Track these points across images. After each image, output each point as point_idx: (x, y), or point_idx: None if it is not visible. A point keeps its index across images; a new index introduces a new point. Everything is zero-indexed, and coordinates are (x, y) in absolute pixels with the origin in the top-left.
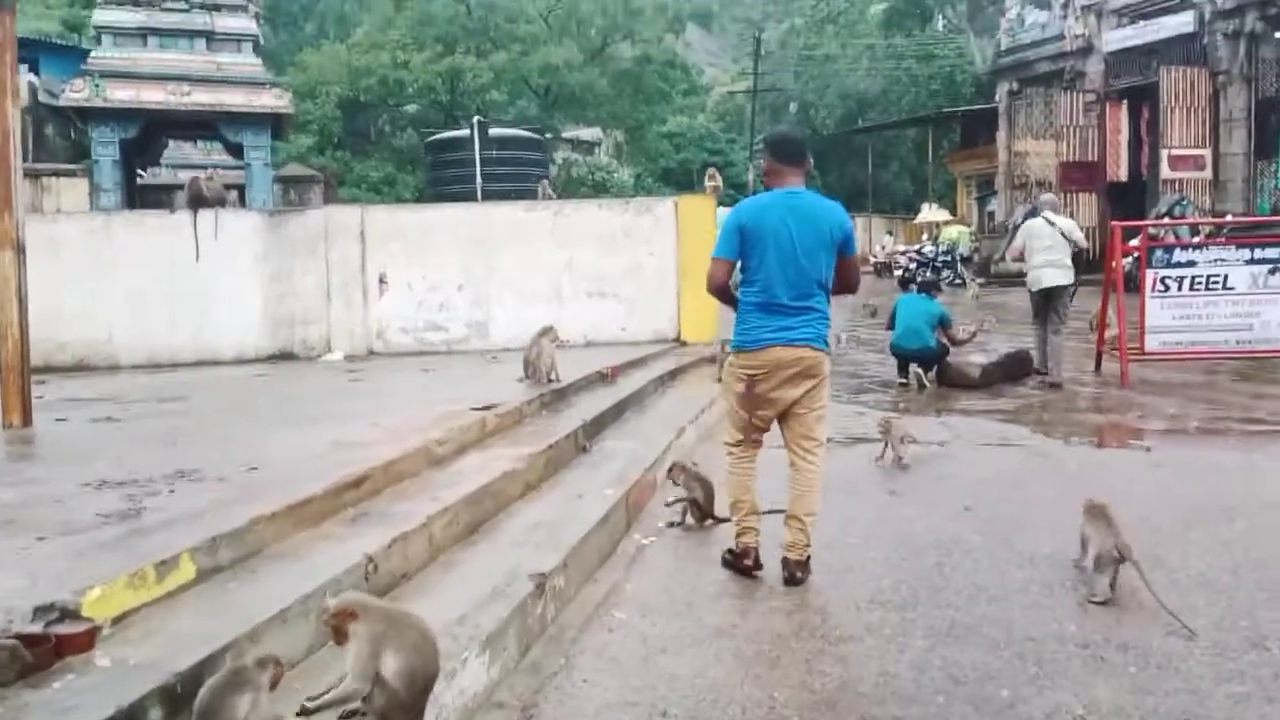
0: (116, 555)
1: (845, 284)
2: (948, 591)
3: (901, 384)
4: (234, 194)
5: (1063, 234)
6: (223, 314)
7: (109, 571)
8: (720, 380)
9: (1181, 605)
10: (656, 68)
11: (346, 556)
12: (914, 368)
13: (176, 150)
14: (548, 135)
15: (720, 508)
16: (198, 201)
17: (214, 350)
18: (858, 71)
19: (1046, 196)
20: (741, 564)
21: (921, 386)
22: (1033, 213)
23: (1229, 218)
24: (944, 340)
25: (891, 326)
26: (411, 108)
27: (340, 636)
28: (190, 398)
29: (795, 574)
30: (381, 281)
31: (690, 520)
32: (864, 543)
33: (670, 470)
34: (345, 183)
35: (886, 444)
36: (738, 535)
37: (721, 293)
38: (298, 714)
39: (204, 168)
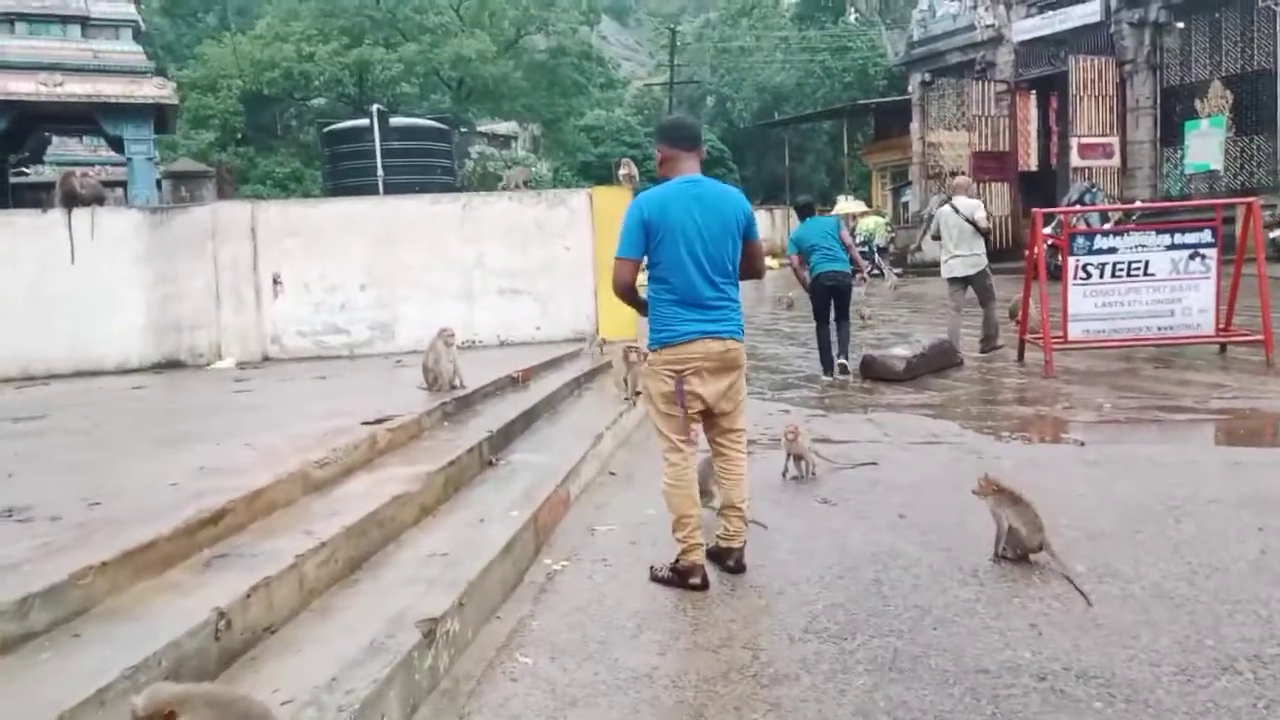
0: None
1: (752, 269)
2: (888, 615)
3: (828, 381)
4: (118, 191)
5: (966, 219)
6: (102, 320)
7: None
8: (627, 396)
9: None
10: (572, 59)
11: (192, 612)
12: (839, 361)
13: (61, 146)
14: (462, 129)
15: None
16: (71, 199)
17: (94, 360)
18: (773, 65)
19: (959, 179)
20: (688, 582)
21: (845, 377)
22: (949, 199)
23: (1138, 203)
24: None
25: (806, 262)
26: (319, 101)
27: None
28: (49, 415)
29: (740, 561)
30: (276, 282)
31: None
32: (795, 559)
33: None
34: (249, 179)
35: (789, 456)
36: (684, 552)
37: (628, 293)
38: None
39: (90, 164)
